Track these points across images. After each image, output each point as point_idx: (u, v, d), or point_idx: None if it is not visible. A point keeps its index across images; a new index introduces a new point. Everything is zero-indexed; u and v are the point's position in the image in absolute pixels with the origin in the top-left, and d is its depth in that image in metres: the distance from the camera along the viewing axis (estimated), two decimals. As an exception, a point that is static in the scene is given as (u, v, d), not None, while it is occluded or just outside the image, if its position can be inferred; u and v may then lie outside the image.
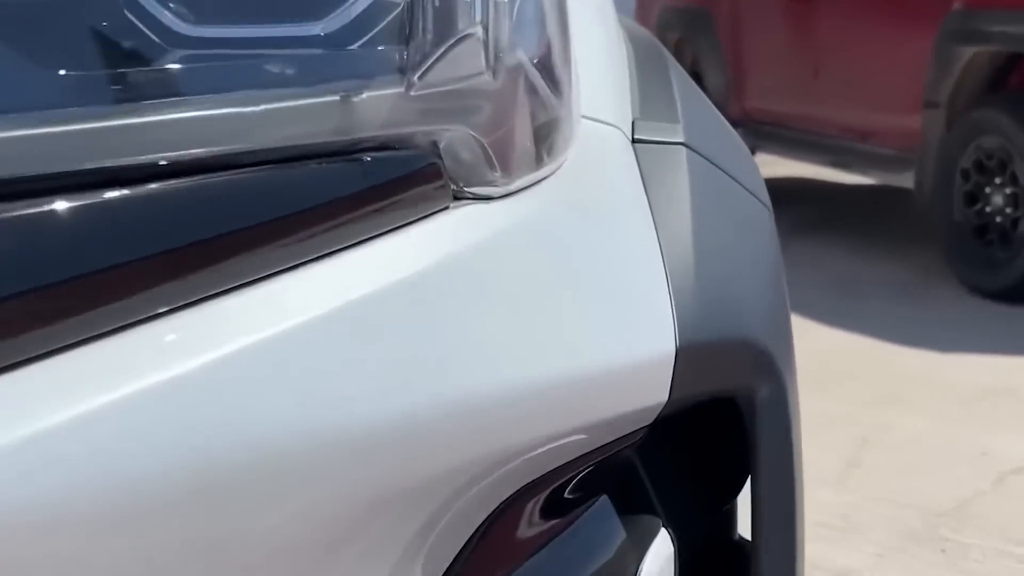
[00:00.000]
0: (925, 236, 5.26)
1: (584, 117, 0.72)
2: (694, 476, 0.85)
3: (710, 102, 1.02)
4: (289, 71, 0.56)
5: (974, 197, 4.82)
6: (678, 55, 7.08)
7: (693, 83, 1.01)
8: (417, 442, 0.56)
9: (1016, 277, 4.56)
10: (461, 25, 0.60)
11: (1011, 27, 4.64)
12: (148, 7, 0.52)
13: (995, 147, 4.70)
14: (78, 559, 0.47)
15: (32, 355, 0.47)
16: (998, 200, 4.73)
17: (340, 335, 0.54)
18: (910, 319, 4.49)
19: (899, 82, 5.19)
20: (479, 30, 0.61)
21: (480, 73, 0.62)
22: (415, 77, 0.59)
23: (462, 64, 0.61)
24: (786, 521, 0.83)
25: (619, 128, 0.79)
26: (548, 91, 0.67)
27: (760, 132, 6.45)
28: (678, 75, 0.95)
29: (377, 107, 0.58)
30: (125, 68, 0.52)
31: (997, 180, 4.73)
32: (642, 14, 7.35)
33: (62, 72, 0.50)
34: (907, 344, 4.19)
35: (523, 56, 0.65)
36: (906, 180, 5.23)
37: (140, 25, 0.52)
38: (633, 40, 0.98)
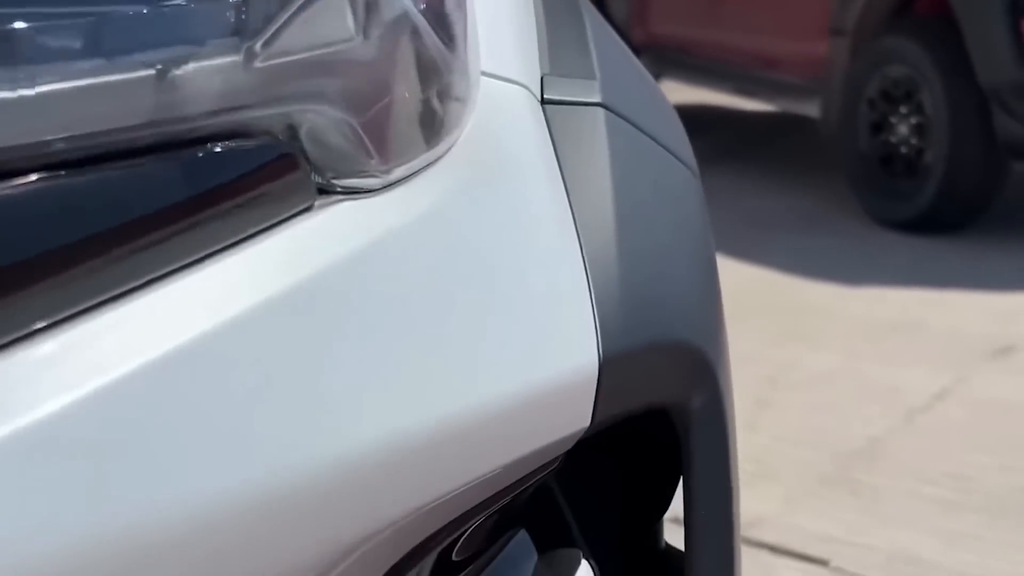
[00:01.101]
0: (831, 166, 5.22)
1: (483, 74, 0.59)
2: (616, 490, 0.73)
3: (628, 50, 0.88)
4: (90, 38, 0.41)
5: (880, 127, 4.78)
6: (582, -19, 6.96)
7: (610, 28, 0.87)
8: (274, 524, 0.43)
9: (921, 208, 4.55)
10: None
11: (917, -47, 4.60)
12: None
13: (901, 76, 4.66)
14: None
15: None
16: (903, 130, 4.70)
17: (168, 385, 0.40)
18: (816, 251, 4.47)
19: (805, 9, 5.13)
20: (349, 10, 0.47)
21: (347, 37, 0.48)
22: (259, 44, 0.45)
23: (322, 24, 0.47)
24: (724, 533, 0.73)
25: (525, 87, 0.65)
26: (439, 48, 0.53)
27: (664, 58, 6.37)
28: (592, 19, 0.81)
29: (208, 82, 0.44)
30: None
31: (903, 110, 4.69)
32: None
33: None
34: (813, 277, 4.16)
35: (405, 4, 0.51)
36: (812, 109, 5.19)
37: None
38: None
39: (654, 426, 0.70)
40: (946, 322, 3.67)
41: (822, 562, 2.35)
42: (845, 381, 3.25)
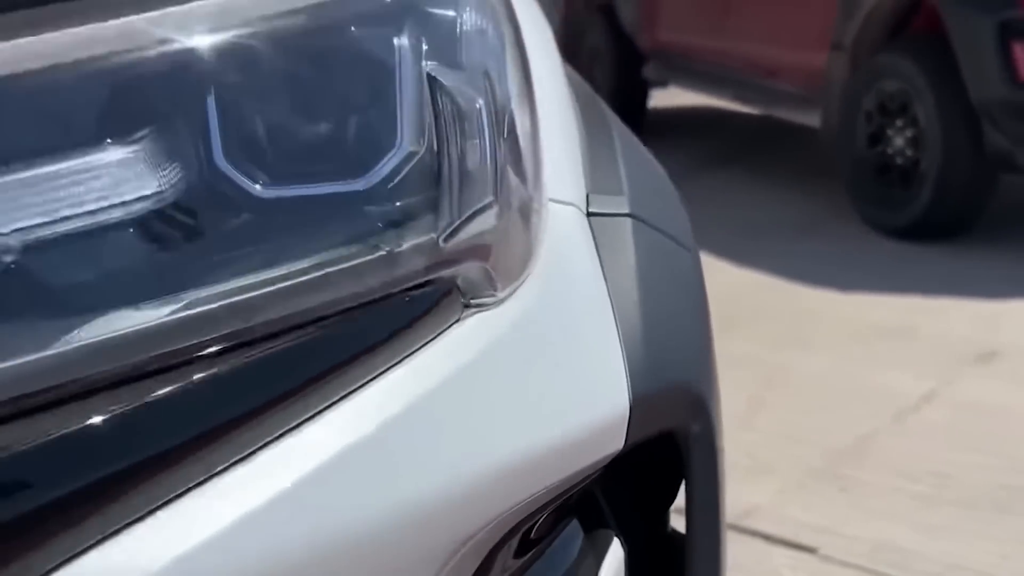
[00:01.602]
0: (829, 172, 5.46)
1: (550, 200, 0.85)
2: (636, 487, 0.98)
3: (648, 156, 1.14)
4: (338, 228, 0.68)
5: (876, 138, 5.02)
6: (591, -16, 7.16)
7: (633, 138, 1.13)
8: (435, 520, 0.70)
9: (915, 215, 4.79)
10: (480, 195, 0.73)
11: (912, -27, 4.83)
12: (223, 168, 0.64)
13: (896, 90, 4.89)
14: None
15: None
16: (899, 141, 4.93)
17: (385, 447, 0.67)
18: (813, 256, 4.70)
19: (807, 23, 5.34)
20: (494, 199, 0.73)
21: (492, 228, 0.75)
22: (443, 237, 0.72)
23: (480, 221, 0.74)
24: (714, 522, 0.98)
25: (577, 206, 0.91)
26: (532, 194, 0.80)
27: (671, 64, 6.58)
28: (620, 136, 1.07)
29: (412, 260, 0.70)
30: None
31: (898, 122, 4.93)
32: (556, -55, 7.39)
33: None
34: (809, 282, 4.39)
35: (520, 193, 0.78)
36: (811, 118, 5.41)
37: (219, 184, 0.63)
38: (577, 97, 1.10)
39: (664, 443, 0.96)
40: (935, 327, 3.90)
41: (811, 550, 2.59)
42: (836, 382, 3.49)
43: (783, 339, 3.84)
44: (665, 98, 7.18)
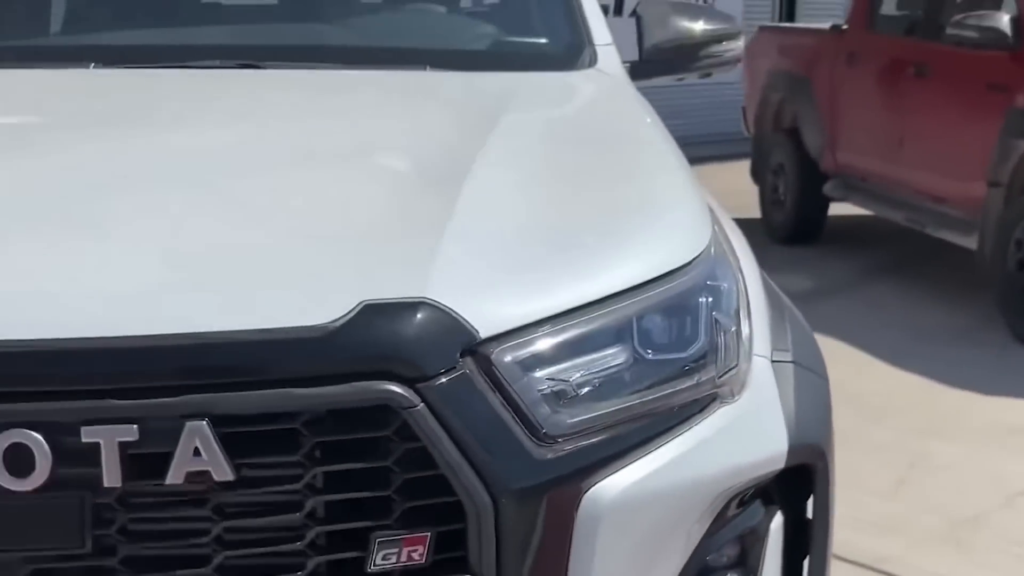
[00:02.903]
0: (983, 289, 6.25)
1: (755, 355, 1.88)
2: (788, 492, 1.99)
3: (798, 314, 2.15)
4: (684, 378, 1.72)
5: (1024, 263, 5.84)
6: (780, 114, 8.12)
7: (794, 309, 2.15)
8: (711, 489, 1.72)
9: (1054, 333, 5.59)
10: (733, 358, 1.76)
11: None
12: None
13: (1043, 226, 5.72)
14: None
15: None
16: (1044, 268, 5.75)
17: (698, 452, 1.69)
18: (962, 360, 5.52)
19: (970, 160, 6.18)
20: (738, 362, 1.79)
21: (736, 373, 1.79)
22: (719, 377, 1.75)
23: (732, 370, 1.77)
24: (826, 518, 1.96)
25: (766, 357, 1.93)
26: (751, 359, 1.84)
27: (849, 184, 7.48)
28: (788, 307, 2.11)
29: (709, 384, 1.73)
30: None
31: (1044, 252, 5.75)
32: (750, 77, 8.40)
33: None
34: (956, 383, 5.21)
35: (747, 352, 1.83)
36: (970, 242, 6.23)
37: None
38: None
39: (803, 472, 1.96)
40: (1059, 430, 4.71)
41: (928, 587, 3.49)
42: (966, 468, 4.34)
43: (926, 430, 4.70)
44: (842, 208, 8.01)
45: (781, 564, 1.90)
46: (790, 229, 7.95)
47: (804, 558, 1.95)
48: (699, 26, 2.88)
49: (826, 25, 8.07)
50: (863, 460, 4.26)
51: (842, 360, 5.40)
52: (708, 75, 2.95)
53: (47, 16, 2.90)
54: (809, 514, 1.94)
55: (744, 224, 7.77)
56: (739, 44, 2.94)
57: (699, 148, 11.15)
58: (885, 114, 7.06)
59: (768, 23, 10.67)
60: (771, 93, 8.14)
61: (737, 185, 8.95)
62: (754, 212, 8.35)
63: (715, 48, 2.89)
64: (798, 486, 1.91)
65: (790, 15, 13.98)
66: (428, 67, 2.58)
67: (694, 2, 5.08)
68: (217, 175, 1.89)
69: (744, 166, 8.72)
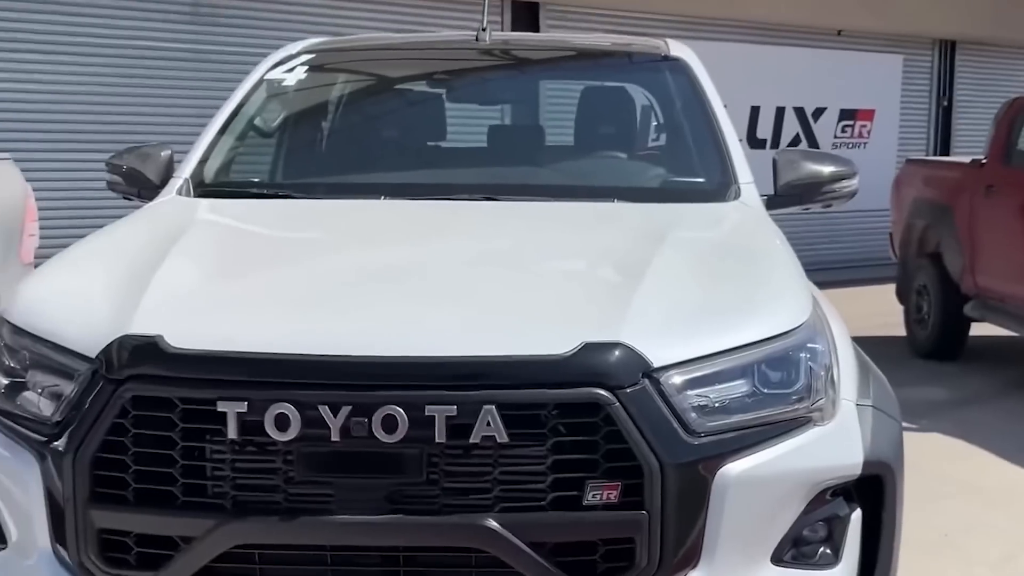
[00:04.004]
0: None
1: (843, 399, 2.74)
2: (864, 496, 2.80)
3: (882, 376, 3.01)
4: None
5: None
6: (924, 239, 8.84)
7: (873, 367, 3.00)
8: (807, 480, 2.56)
9: None
10: (822, 395, 2.65)
11: None
12: None
13: None
14: None
15: None
16: None
17: (799, 454, 2.56)
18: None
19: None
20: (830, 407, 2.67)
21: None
22: (813, 405, 2.61)
23: (819, 403, 2.65)
24: (893, 516, 2.75)
25: (852, 401, 2.74)
26: (839, 401, 2.70)
27: (988, 305, 8.10)
28: (870, 363, 2.97)
29: (811, 415, 2.62)
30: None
31: None
32: (897, 205, 9.16)
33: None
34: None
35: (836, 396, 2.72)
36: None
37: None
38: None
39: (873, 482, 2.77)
40: None
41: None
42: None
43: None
44: (983, 328, 8.60)
45: (859, 548, 2.72)
46: (932, 346, 8.59)
47: (877, 548, 2.76)
48: (825, 169, 3.79)
49: (968, 159, 8.81)
50: (980, 540, 4.93)
51: (972, 458, 6.07)
52: (828, 206, 3.84)
53: (350, 164, 4.09)
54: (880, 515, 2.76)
55: (889, 340, 8.60)
56: (855, 182, 3.83)
57: (851, 272, 11.95)
58: (1020, 241, 7.70)
59: (918, 156, 11.38)
60: (916, 220, 8.86)
61: (883, 306, 9.67)
62: (900, 330, 9.04)
63: (835, 185, 3.79)
64: (873, 494, 2.73)
65: (944, 148, 14.66)
66: (616, 200, 3.59)
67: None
68: (485, 261, 2.96)
69: (890, 289, 9.44)
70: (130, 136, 8.90)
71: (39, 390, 2.55)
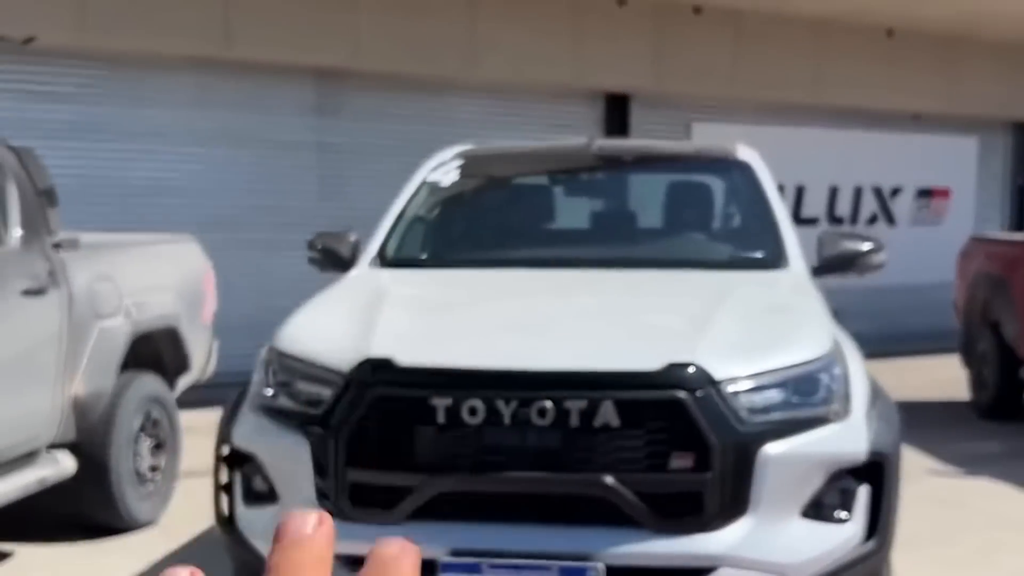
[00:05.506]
0: None
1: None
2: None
3: (891, 399, 4.15)
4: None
5: None
6: (984, 309, 9.82)
7: (884, 392, 4.14)
8: (821, 462, 3.72)
9: None
10: (841, 415, 3.83)
11: None
12: None
13: None
14: None
15: None
16: None
17: (816, 441, 3.75)
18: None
19: None
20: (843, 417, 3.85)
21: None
22: (832, 413, 3.79)
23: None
24: (894, 491, 3.90)
25: (862, 411, 3.86)
26: (851, 410, 3.89)
27: (1042, 369, 9.07)
28: (884, 394, 4.12)
29: (831, 419, 3.80)
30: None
31: None
32: (961, 277, 10.19)
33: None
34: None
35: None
36: None
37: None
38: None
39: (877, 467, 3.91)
40: None
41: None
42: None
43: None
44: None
45: (866, 513, 3.85)
46: (991, 406, 9.56)
47: (879, 512, 3.89)
48: (856, 246, 4.98)
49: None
50: (1016, 558, 5.95)
51: (1011, 498, 7.02)
52: (861, 275, 5.03)
53: (494, 242, 5.46)
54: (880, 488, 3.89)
55: (954, 404, 9.66)
56: (882, 256, 5.01)
57: (936, 341, 12.55)
58: (1067, 311, 8.69)
59: (984, 233, 12.28)
60: (977, 291, 9.86)
61: (948, 374, 10.64)
62: (964, 395, 10.02)
63: (868, 259, 4.97)
64: (875, 475, 3.85)
65: (1019, 225, 15.51)
66: (692, 268, 4.84)
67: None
68: (601, 309, 4.25)
69: (955, 359, 10.39)
70: (277, 218, 10.46)
71: (302, 394, 3.83)
